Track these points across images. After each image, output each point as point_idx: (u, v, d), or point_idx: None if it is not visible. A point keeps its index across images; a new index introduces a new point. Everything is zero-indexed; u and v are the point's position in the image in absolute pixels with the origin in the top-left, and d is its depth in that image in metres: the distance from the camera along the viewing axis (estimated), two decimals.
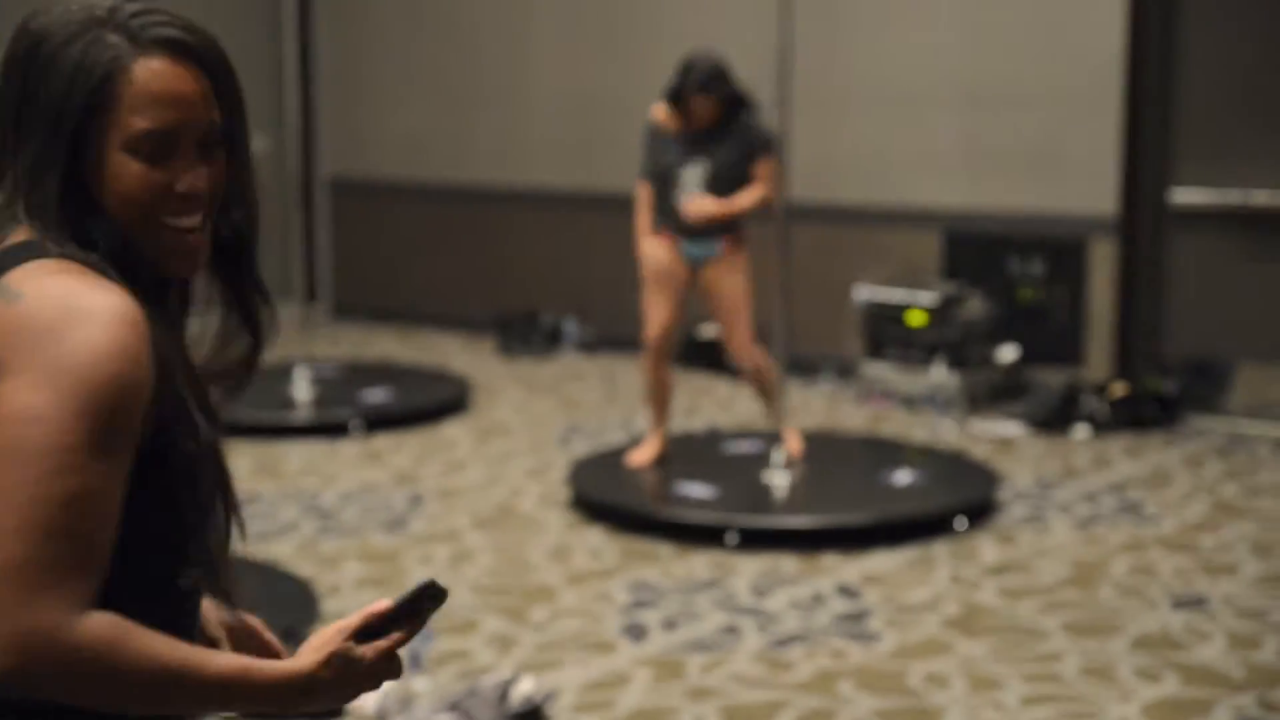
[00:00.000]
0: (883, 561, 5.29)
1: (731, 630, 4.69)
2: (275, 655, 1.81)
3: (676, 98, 5.88)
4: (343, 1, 9.58)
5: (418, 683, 4.17)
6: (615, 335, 8.65)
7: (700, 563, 5.30)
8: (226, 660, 1.54)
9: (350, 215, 9.75)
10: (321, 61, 9.32)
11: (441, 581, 1.61)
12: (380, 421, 7.13)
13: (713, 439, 6.73)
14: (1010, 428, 7.07)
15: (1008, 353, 7.59)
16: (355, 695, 1.60)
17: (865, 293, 7.73)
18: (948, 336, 7.46)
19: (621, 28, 8.73)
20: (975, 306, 7.57)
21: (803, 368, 7.91)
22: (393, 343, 9.23)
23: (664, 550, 5.42)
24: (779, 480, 5.89)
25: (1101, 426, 6.98)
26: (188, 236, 1.61)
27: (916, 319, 7.53)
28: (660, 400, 6.22)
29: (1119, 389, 7.10)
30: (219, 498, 1.65)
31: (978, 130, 7.71)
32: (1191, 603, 4.88)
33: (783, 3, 5.85)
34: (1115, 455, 6.65)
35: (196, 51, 1.59)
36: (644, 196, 6.05)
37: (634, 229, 6.14)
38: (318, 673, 1.56)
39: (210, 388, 1.70)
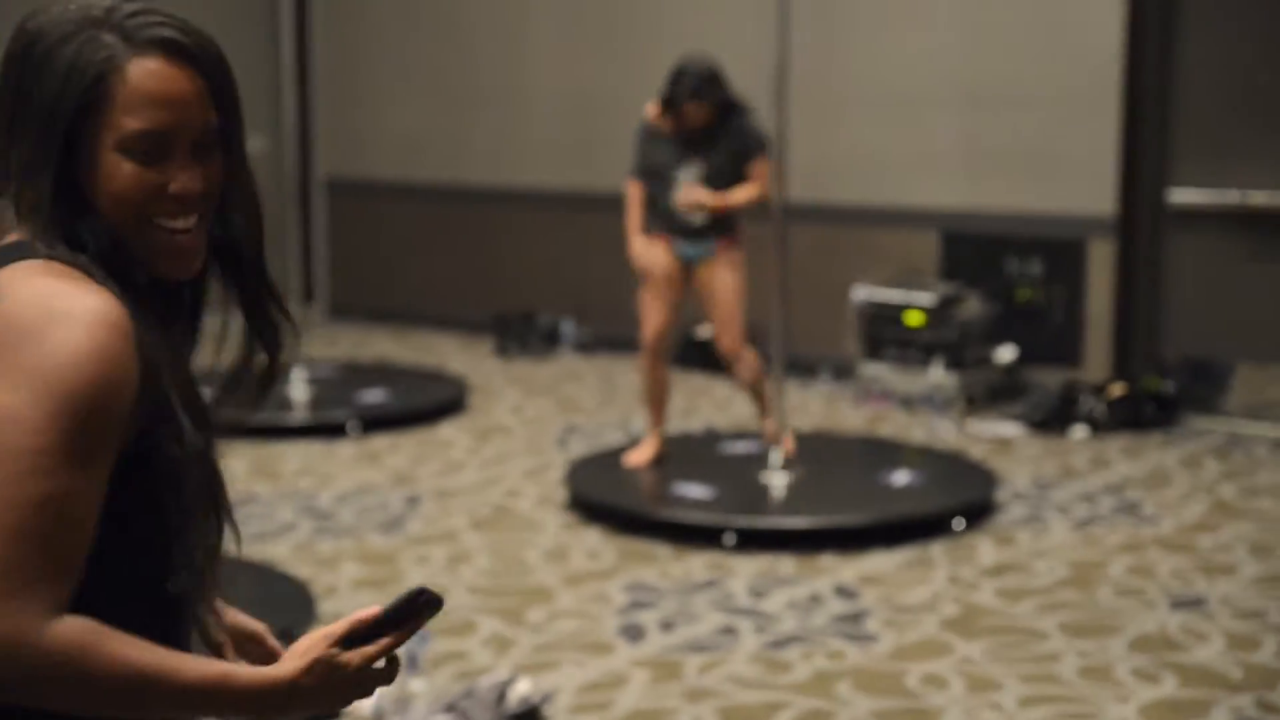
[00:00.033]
0: (880, 562, 5.28)
1: (729, 631, 4.68)
2: None
3: (669, 105, 5.87)
4: (339, 2, 9.57)
5: (415, 684, 4.16)
6: (613, 336, 8.65)
7: (698, 563, 5.29)
8: (205, 666, 1.51)
9: (347, 216, 9.74)
10: (318, 62, 9.31)
11: (435, 588, 1.58)
12: (377, 422, 7.13)
13: (710, 439, 6.73)
14: (1008, 428, 7.06)
15: (1006, 353, 7.59)
16: (343, 703, 1.58)
17: (863, 293, 7.73)
18: (946, 337, 7.46)
19: (619, 28, 8.72)
20: (973, 307, 7.56)
21: (801, 368, 7.90)
22: (390, 343, 9.22)
23: (661, 551, 5.41)
24: (776, 481, 5.89)
25: (1100, 427, 6.97)
26: (181, 238, 1.59)
27: (914, 319, 7.53)
28: (657, 401, 6.21)
29: (1117, 389, 7.09)
30: (208, 502, 1.62)
31: (976, 130, 7.71)
32: (1190, 603, 4.87)
33: (781, 3, 5.84)
34: (1113, 456, 6.65)
35: (192, 52, 1.57)
36: (633, 195, 6.05)
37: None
38: (299, 680, 1.53)
39: (206, 391, 1.68)
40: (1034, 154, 7.58)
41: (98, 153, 1.56)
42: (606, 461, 6.28)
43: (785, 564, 5.27)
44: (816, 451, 6.33)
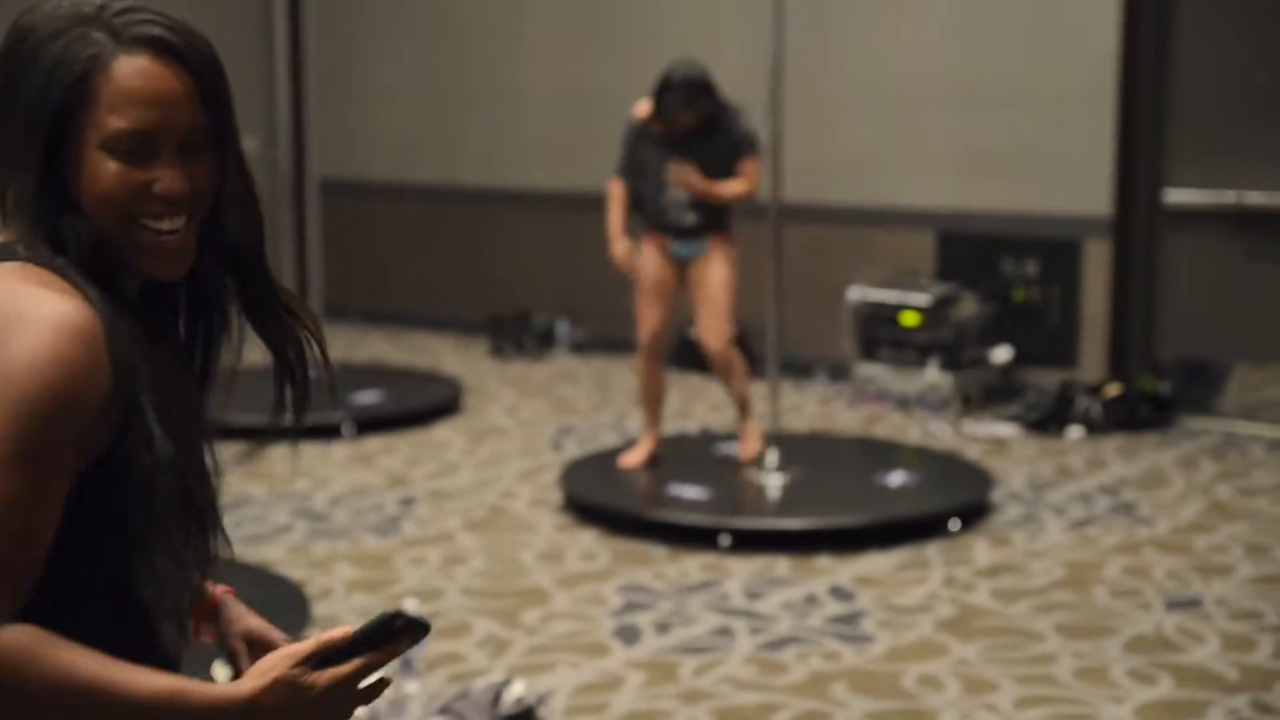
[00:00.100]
0: (876, 563, 5.27)
1: (724, 632, 4.67)
2: None
3: (658, 114, 5.84)
4: (334, 2, 9.55)
5: (409, 686, 4.15)
6: (607, 337, 8.64)
7: (693, 565, 5.28)
8: (156, 680, 1.46)
9: (341, 216, 9.72)
10: (312, 62, 9.28)
11: (419, 614, 1.52)
12: (372, 424, 7.11)
13: (706, 440, 6.72)
14: (1004, 429, 7.06)
15: (1001, 353, 7.58)
16: None
17: (859, 293, 7.72)
18: (941, 337, 7.45)
19: (614, 28, 8.71)
20: (969, 307, 7.56)
21: (796, 369, 7.90)
22: (384, 344, 9.20)
23: (657, 552, 5.40)
24: (772, 482, 5.88)
25: (1095, 427, 6.97)
26: (168, 239, 1.57)
27: (910, 320, 7.52)
28: (653, 402, 6.20)
29: (1113, 390, 7.09)
30: (183, 511, 1.58)
31: (971, 131, 7.70)
32: (1185, 604, 4.87)
33: (776, 3, 5.83)
34: (1109, 456, 6.64)
35: (180, 50, 1.55)
36: (615, 193, 6.02)
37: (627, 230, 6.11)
38: (258, 699, 1.47)
39: (203, 394, 1.66)
40: (1029, 154, 7.57)
41: (83, 151, 1.53)
42: (601, 463, 6.27)
43: (781, 565, 5.26)
44: (812, 452, 6.32)
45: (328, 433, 6.98)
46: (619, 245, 6.01)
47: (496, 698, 3.98)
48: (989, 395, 7.50)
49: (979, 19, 7.65)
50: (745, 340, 7.73)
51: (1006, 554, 5.37)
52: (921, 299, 7.50)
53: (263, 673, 1.48)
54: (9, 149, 1.55)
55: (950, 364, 7.42)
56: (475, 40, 9.19)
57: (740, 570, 5.21)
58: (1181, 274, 7.42)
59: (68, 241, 1.53)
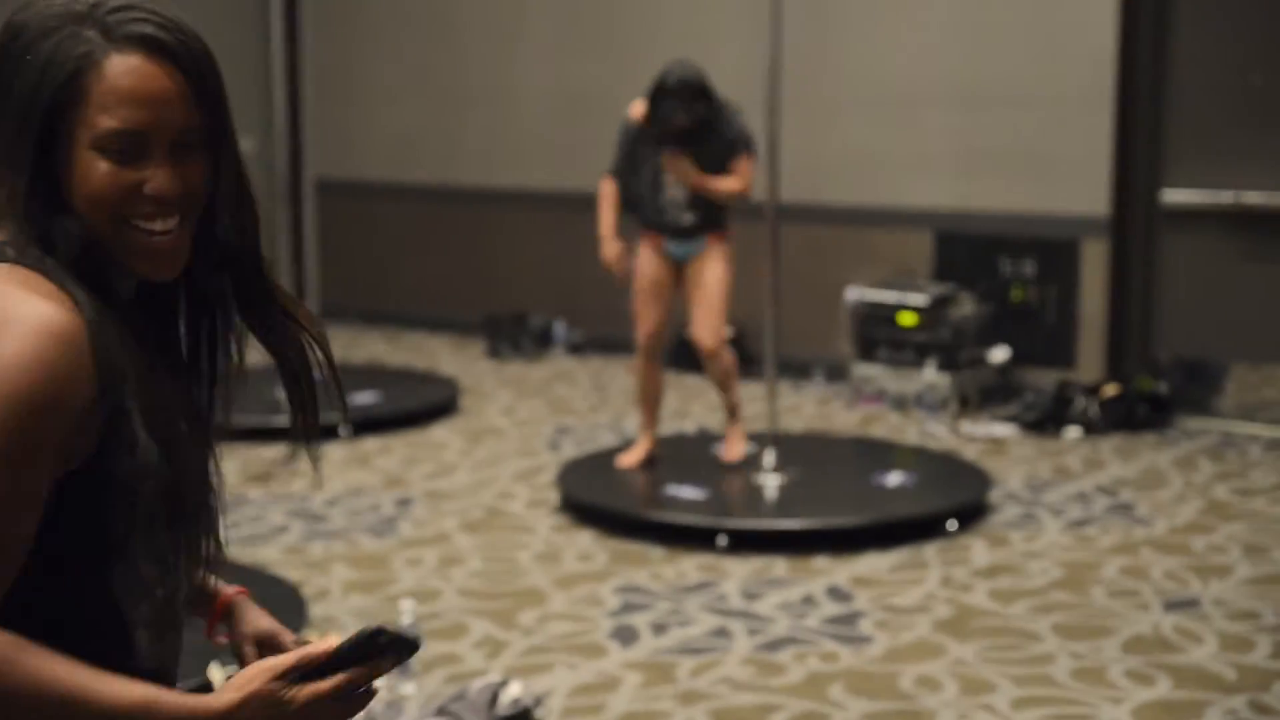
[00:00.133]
0: (873, 564, 5.26)
1: (722, 633, 4.66)
2: None
3: (653, 120, 5.82)
4: (330, 1, 9.54)
5: (406, 687, 4.14)
6: (604, 337, 8.63)
7: (690, 565, 5.27)
8: (129, 690, 1.43)
9: (338, 216, 9.71)
10: (309, 61, 9.27)
11: (409, 631, 1.49)
12: (369, 424, 7.10)
13: (703, 441, 6.71)
14: (1002, 429, 7.05)
15: (999, 353, 7.58)
16: None
17: (856, 294, 7.71)
18: (939, 337, 7.45)
19: (612, 28, 8.70)
20: (966, 307, 7.55)
21: (794, 369, 7.89)
22: (381, 345, 9.20)
23: (654, 553, 5.39)
24: (769, 482, 5.87)
25: (1093, 427, 6.96)
26: (159, 239, 1.55)
27: (908, 320, 7.51)
28: (650, 402, 6.19)
29: (1110, 390, 7.08)
30: (169, 516, 1.56)
31: (969, 131, 7.70)
32: (1183, 604, 4.86)
33: (774, 3, 5.83)
34: (1107, 456, 6.64)
35: (173, 49, 1.53)
36: (607, 193, 6.01)
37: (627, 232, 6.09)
38: (232, 713, 1.45)
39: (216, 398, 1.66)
40: (1027, 154, 7.57)
41: (74, 151, 1.52)
42: (599, 463, 6.26)
43: (778, 566, 5.25)
44: (809, 453, 6.31)
45: (325, 433, 6.95)
46: (610, 246, 6.00)
47: (493, 699, 3.97)
48: (987, 395, 7.50)
49: (977, 19, 7.65)
50: (742, 341, 7.73)
51: (1004, 554, 5.36)
52: (919, 299, 7.50)
53: (240, 685, 1.46)
54: (1, 148, 1.53)
55: (948, 364, 7.42)
56: (473, 40, 9.18)
57: (738, 571, 5.21)
58: (1179, 274, 7.41)
59: (58, 242, 1.52)
